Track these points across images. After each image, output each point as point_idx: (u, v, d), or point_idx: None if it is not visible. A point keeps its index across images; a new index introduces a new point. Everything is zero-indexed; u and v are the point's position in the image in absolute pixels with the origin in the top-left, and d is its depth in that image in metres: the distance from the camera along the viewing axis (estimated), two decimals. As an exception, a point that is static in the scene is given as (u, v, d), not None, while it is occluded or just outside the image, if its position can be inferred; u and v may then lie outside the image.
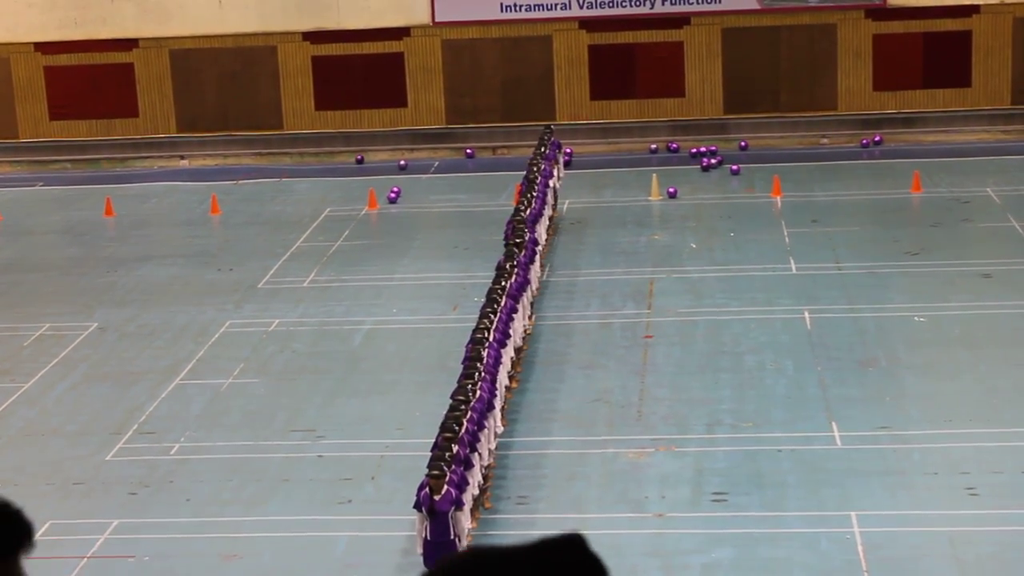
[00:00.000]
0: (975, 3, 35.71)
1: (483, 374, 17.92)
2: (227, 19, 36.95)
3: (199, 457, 19.29)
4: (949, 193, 30.72)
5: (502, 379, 18.94)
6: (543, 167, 28.01)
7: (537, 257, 23.78)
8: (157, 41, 37.13)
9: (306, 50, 36.95)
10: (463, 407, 16.81)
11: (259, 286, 26.56)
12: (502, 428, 18.54)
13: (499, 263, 22.19)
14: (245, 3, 36.90)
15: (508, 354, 19.74)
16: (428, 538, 15.16)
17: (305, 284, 26.58)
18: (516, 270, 21.82)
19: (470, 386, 17.33)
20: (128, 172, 36.68)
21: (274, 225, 30.76)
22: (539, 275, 23.88)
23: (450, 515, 15.21)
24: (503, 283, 21.01)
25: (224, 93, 37.15)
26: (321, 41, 36.87)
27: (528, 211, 24.98)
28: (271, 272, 27.34)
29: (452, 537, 15.18)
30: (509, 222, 24.53)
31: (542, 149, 29.16)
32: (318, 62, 36.93)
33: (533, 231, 24.19)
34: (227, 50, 37.05)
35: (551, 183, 28.34)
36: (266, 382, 21.89)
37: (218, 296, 26.02)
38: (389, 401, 20.68)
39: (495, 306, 20.11)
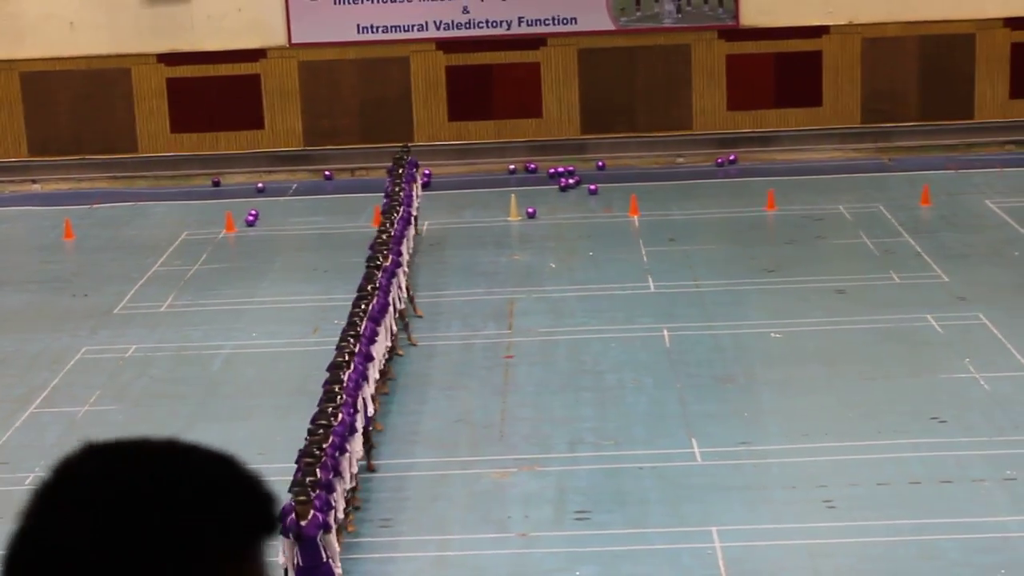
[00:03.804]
0: (824, 24, 36.38)
1: (344, 397, 17.82)
2: (79, 41, 36.42)
3: (55, 486, 18.91)
4: (803, 211, 31.22)
5: (367, 402, 18.85)
6: (404, 187, 27.93)
7: (399, 279, 23.63)
8: (8, 63, 36.48)
9: (161, 72, 36.55)
10: (321, 431, 16.70)
11: (115, 311, 26.17)
12: (362, 452, 18.42)
13: (360, 286, 22.09)
14: (97, 25, 36.40)
15: (372, 376, 19.65)
16: (300, 563, 15.10)
17: (162, 309, 26.24)
18: (377, 293, 21.73)
19: (331, 410, 17.23)
20: (-22, 197, 35.95)
21: (130, 249, 30.34)
22: (404, 296, 23.81)
23: (319, 539, 15.15)
24: (363, 306, 20.91)
25: (77, 116, 36.60)
26: (176, 63, 36.49)
27: (393, 232, 24.83)
28: (127, 297, 26.96)
29: (325, 560, 15.13)
30: (372, 245, 24.40)
31: (399, 170, 29.04)
32: (173, 84, 36.54)
33: (396, 253, 24.08)
34: (80, 72, 36.51)
35: (413, 203, 28.24)
36: (124, 409, 21.56)
37: (73, 322, 25.59)
38: (250, 426, 20.49)
39: (355, 330, 20.01)
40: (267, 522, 2.21)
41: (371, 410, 19.02)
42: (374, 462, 19.02)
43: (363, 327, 20.21)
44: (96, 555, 2.06)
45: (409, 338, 23.64)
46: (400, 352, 23.05)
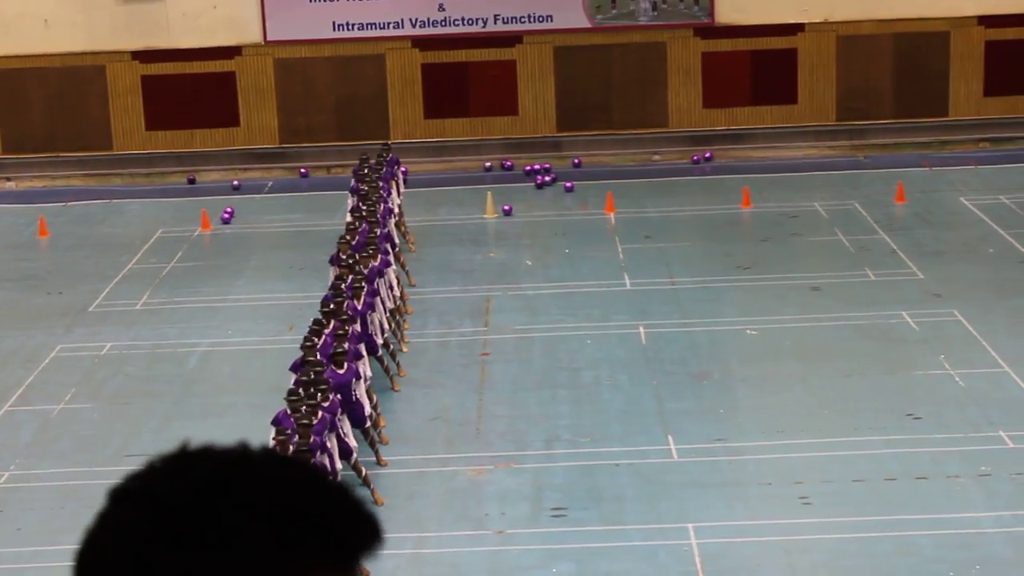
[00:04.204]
0: (799, 22, 36.46)
1: (330, 395, 17.66)
2: (54, 38, 36.28)
3: (30, 485, 18.87)
4: (778, 208, 31.29)
5: (361, 399, 18.74)
6: (383, 185, 27.76)
7: (388, 278, 23.43)
8: (-19, 61, 36.34)
9: (136, 69, 36.43)
10: (287, 433, 16.55)
11: (90, 309, 26.09)
12: (355, 443, 18.28)
13: (333, 284, 21.97)
14: (72, 22, 36.28)
15: (364, 372, 19.47)
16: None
17: (137, 307, 26.17)
18: (363, 293, 21.57)
19: (304, 409, 17.10)
20: (-48, 195, 35.81)
21: (105, 247, 30.25)
22: (396, 295, 23.73)
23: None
24: (331, 306, 20.65)
25: (52, 113, 36.47)
26: (151, 60, 36.38)
27: (378, 232, 24.59)
28: (102, 295, 26.88)
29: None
30: (338, 243, 24.14)
31: (364, 169, 28.64)
32: (148, 81, 36.43)
33: (384, 252, 23.88)
34: (54, 69, 36.38)
35: (394, 201, 28.04)
36: (99, 407, 21.50)
37: (47, 320, 25.50)
38: (225, 424, 20.44)
39: (343, 328, 19.77)
40: (372, 540, 2.08)
41: (367, 409, 18.94)
42: (360, 459, 18.89)
43: (348, 328, 20.05)
44: (162, 570, 1.93)
45: (402, 342, 23.43)
46: (404, 348, 23.11)
